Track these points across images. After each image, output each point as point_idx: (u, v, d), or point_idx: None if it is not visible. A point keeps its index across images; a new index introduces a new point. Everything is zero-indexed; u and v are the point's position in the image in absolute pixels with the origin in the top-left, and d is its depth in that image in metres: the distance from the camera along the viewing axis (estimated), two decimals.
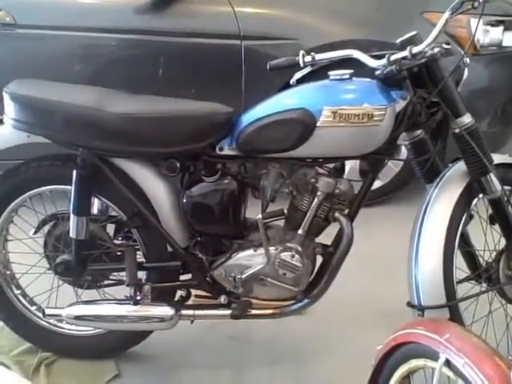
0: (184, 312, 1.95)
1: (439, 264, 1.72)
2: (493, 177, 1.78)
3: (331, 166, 1.92)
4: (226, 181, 1.87)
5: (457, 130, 1.77)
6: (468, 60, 1.81)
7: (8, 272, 2.13)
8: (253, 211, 1.92)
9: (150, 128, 1.83)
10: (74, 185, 1.87)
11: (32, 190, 1.98)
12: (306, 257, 1.86)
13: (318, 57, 1.85)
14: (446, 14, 1.67)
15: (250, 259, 1.89)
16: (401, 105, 1.75)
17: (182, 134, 1.85)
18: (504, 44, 2.98)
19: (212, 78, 2.93)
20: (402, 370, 1.39)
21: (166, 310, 1.91)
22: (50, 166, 1.95)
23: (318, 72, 1.88)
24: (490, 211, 1.88)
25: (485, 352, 1.19)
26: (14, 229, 2.09)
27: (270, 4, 2.99)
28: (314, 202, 1.83)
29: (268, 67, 1.94)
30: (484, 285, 1.93)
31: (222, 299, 1.96)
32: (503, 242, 1.90)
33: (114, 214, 2.00)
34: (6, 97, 1.88)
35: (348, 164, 3.04)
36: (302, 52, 1.86)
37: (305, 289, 1.91)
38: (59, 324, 2.14)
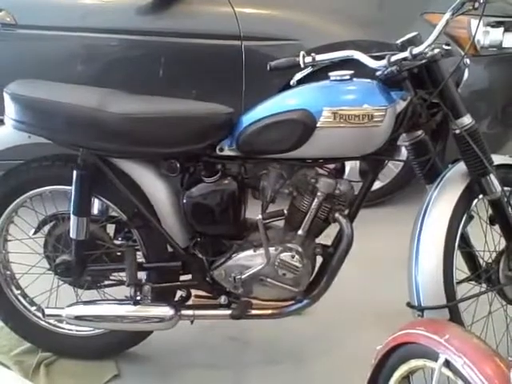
0: (184, 312, 1.95)
1: (439, 265, 1.72)
2: (493, 178, 1.78)
3: (331, 166, 1.92)
4: (226, 181, 1.87)
5: (457, 131, 1.77)
6: (468, 61, 1.81)
7: (8, 272, 2.13)
8: (253, 212, 1.92)
9: (150, 128, 1.83)
10: (74, 185, 1.87)
11: (32, 190, 1.98)
12: (305, 257, 1.86)
13: (319, 57, 1.85)
14: (447, 15, 1.68)
15: (249, 259, 1.89)
16: (401, 105, 1.75)
17: (182, 134, 1.85)
18: (504, 45, 2.98)
19: (212, 79, 2.93)
20: (401, 371, 1.39)
21: (165, 310, 1.91)
22: (51, 167, 1.95)
23: (319, 73, 1.88)
24: (490, 212, 1.88)
25: (484, 352, 1.19)
26: (14, 229, 2.09)
27: (270, 5, 3.00)
28: (314, 203, 1.83)
29: (268, 68, 1.93)
30: (484, 285, 1.93)
31: (222, 299, 1.96)
32: (503, 243, 1.90)
33: (114, 214, 2.01)
34: (6, 97, 1.88)
35: (348, 165, 3.04)
36: (302, 53, 1.86)
37: (305, 289, 1.91)
38: (59, 324, 2.14)
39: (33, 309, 2.15)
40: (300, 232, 1.86)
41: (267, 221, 1.87)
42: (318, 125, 1.73)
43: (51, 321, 2.13)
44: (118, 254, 2.01)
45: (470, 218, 1.85)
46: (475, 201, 1.83)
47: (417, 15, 2.93)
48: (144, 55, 2.96)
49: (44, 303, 2.11)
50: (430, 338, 1.28)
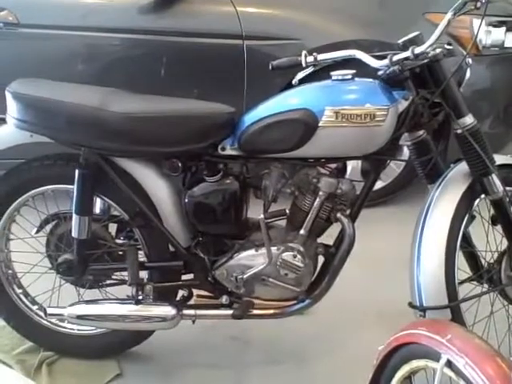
0: (186, 312, 1.95)
1: (441, 265, 1.72)
2: (495, 177, 1.78)
3: (333, 166, 1.92)
4: (228, 181, 1.87)
5: (459, 131, 1.76)
6: (470, 61, 1.81)
7: (10, 271, 2.13)
8: (255, 211, 1.92)
9: (152, 128, 1.83)
10: (76, 184, 1.87)
11: (34, 189, 1.98)
12: (307, 257, 1.86)
13: (321, 57, 1.84)
14: (449, 15, 1.67)
15: (251, 259, 1.89)
16: (403, 105, 1.75)
17: (184, 133, 1.85)
18: (506, 45, 2.98)
19: (214, 78, 2.93)
20: (403, 371, 1.39)
21: (167, 310, 1.91)
22: (53, 166, 1.95)
23: (321, 72, 1.88)
24: (492, 212, 1.88)
25: (486, 353, 1.19)
26: (17, 228, 2.10)
27: (272, 4, 3.00)
28: (316, 202, 1.83)
29: (270, 67, 1.93)
30: (486, 286, 1.93)
31: (224, 299, 1.96)
32: (505, 243, 1.89)
33: (115, 213, 2.01)
34: (8, 96, 1.88)
35: (350, 164, 3.04)
36: (304, 52, 1.86)
37: (306, 289, 1.91)
38: (61, 323, 2.14)
39: (35, 308, 2.15)
40: (302, 232, 1.86)
41: (269, 220, 1.87)
42: (319, 124, 1.73)
43: (53, 320, 2.13)
44: (120, 253, 2.02)
45: (472, 217, 1.85)
46: (477, 201, 1.83)
47: (419, 15, 2.92)
48: (146, 54, 2.96)
49: (46, 302, 2.11)
50: (432, 338, 1.27)
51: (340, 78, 1.76)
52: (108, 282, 2.07)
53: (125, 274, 1.98)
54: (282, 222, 1.93)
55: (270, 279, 1.88)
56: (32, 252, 2.08)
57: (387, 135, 1.76)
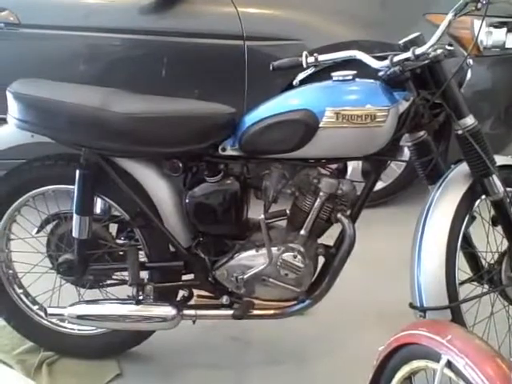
0: (186, 312, 1.95)
1: (441, 265, 1.72)
2: (495, 178, 1.78)
3: (334, 166, 1.92)
4: (229, 181, 1.88)
5: (459, 132, 1.77)
6: (471, 61, 1.81)
7: (10, 271, 2.13)
8: (255, 212, 1.92)
9: (152, 128, 1.83)
10: (76, 184, 1.87)
11: (35, 189, 1.98)
12: (308, 257, 1.86)
13: (321, 58, 1.85)
14: (450, 16, 1.68)
15: (252, 259, 1.89)
16: (404, 106, 1.75)
17: (184, 134, 1.85)
18: (507, 46, 2.98)
19: (215, 79, 2.93)
20: (403, 371, 1.39)
21: (168, 310, 1.91)
22: (53, 166, 1.95)
23: (321, 73, 1.88)
24: (493, 213, 1.88)
25: (486, 353, 1.19)
26: (17, 228, 2.10)
27: (273, 5, 3.00)
28: (317, 203, 1.83)
29: (271, 68, 1.93)
30: (486, 286, 1.93)
31: (224, 299, 1.96)
32: (505, 244, 1.89)
33: (116, 213, 2.01)
34: (9, 96, 1.88)
35: (350, 165, 3.04)
36: (305, 53, 1.86)
37: (307, 289, 1.91)
38: (61, 323, 2.14)
39: (35, 308, 2.15)
40: (302, 232, 1.86)
41: (269, 221, 1.87)
42: (320, 125, 1.73)
43: (53, 320, 2.13)
44: (121, 253, 2.02)
45: (473, 218, 1.85)
46: (478, 201, 1.83)
47: (419, 16, 2.92)
48: (147, 55, 2.96)
49: (46, 302, 2.12)
50: (432, 338, 1.27)
51: (341, 78, 1.76)
52: (108, 282, 2.07)
53: (125, 274, 1.98)
54: (283, 223, 1.93)
55: (271, 279, 1.88)
56: (32, 252, 2.08)
57: (388, 136, 1.76)
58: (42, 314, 2.09)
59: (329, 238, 1.93)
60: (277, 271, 1.87)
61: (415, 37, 1.76)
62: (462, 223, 1.77)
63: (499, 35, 2.95)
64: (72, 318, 1.96)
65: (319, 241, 1.93)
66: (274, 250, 1.86)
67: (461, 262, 1.80)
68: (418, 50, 1.68)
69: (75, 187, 1.87)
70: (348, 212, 1.88)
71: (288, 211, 1.88)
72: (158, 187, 1.91)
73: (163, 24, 2.93)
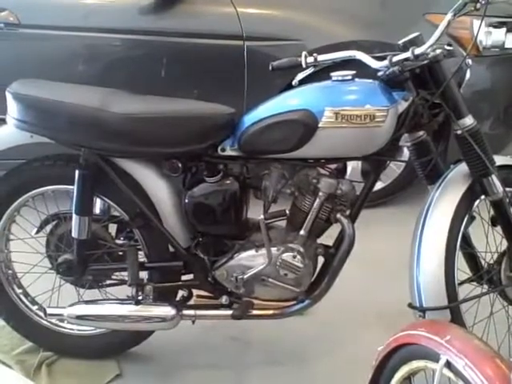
0: (185, 312, 1.95)
1: (441, 265, 1.72)
2: (495, 178, 1.78)
3: (333, 166, 1.92)
4: (228, 181, 1.88)
5: (459, 132, 1.77)
6: (470, 61, 1.81)
7: (10, 271, 2.13)
8: (255, 212, 1.92)
9: (152, 128, 1.84)
10: (76, 185, 1.87)
11: (34, 189, 1.98)
12: (307, 257, 1.86)
13: (321, 58, 1.85)
14: (449, 16, 1.68)
15: (251, 260, 1.89)
16: (403, 106, 1.75)
17: (184, 134, 1.85)
18: (506, 46, 2.98)
19: (214, 79, 2.93)
20: (402, 372, 1.39)
21: (167, 310, 1.91)
22: (53, 166, 1.95)
23: (321, 73, 1.88)
24: (492, 213, 1.88)
25: (485, 354, 1.19)
26: (17, 228, 2.10)
27: (272, 5, 3.00)
28: (316, 203, 1.83)
29: (270, 68, 1.94)
30: (485, 286, 1.93)
31: (224, 299, 1.96)
32: (505, 244, 1.89)
33: (115, 213, 2.01)
34: (8, 96, 1.88)
35: (350, 165, 3.04)
36: (304, 53, 1.86)
37: (306, 289, 1.91)
38: (61, 323, 2.14)
39: (34, 308, 2.15)
40: (302, 232, 1.86)
41: (269, 221, 1.87)
42: (319, 125, 1.73)
43: (53, 320, 2.13)
44: (120, 253, 2.02)
45: (472, 218, 1.85)
46: (477, 201, 1.83)
47: (419, 16, 2.92)
48: (146, 55, 2.96)
49: (46, 302, 2.12)
50: (432, 339, 1.27)
51: (340, 78, 1.76)
52: (108, 282, 2.07)
53: (125, 274, 1.98)
54: (282, 223, 1.93)
55: (270, 279, 1.88)
56: (32, 252, 2.08)
57: (387, 136, 1.76)
58: (42, 314, 2.09)
59: (328, 237, 1.93)
60: (276, 271, 1.87)
61: (414, 37, 1.76)
62: (461, 223, 1.77)
63: (498, 35, 2.95)
64: (71, 318, 1.95)
65: (319, 241, 1.93)
66: (273, 250, 1.86)
67: (460, 262, 1.80)
68: (418, 50, 1.68)
69: (74, 187, 1.87)
70: (347, 212, 1.88)
71: (287, 211, 1.88)
72: (157, 187, 1.91)
73: (162, 24, 2.93)
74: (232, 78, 2.95)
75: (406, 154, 2.86)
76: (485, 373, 1.14)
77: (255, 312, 1.95)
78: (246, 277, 1.88)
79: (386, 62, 1.72)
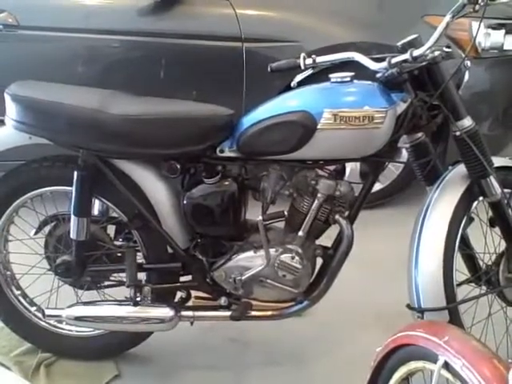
0: (184, 313, 1.95)
1: (439, 266, 1.72)
2: (493, 180, 1.78)
3: (332, 168, 1.92)
4: (227, 183, 1.88)
5: (457, 133, 1.77)
6: (469, 63, 1.81)
7: (8, 272, 2.13)
8: (253, 213, 1.92)
9: (150, 130, 1.84)
10: (74, 186, 1.87)
11: (33, 190, 1.98)
12: (306, 259, 1.86)
13: (319, 59, 1.85)
14: (447, 17, 1.68)
15: (250, 261, 1.89)
16: (401, 107, 1.76)
17: (182, 135, 1.85)
18: (505, 47, 2.98)
19: (213, 80, 2.93)
20: (401, 372, 1.39)
21: (165, 312, 1.91)
22: (51, 167, 1.95)
23: (319, 74, 1.88)
24: (490, 214, 1.88)
25: (483, 354, 1.19)
26: (15, 229, 2.10)
27: (271, 6, 3.00)
28: (315, 204, 1.83)
29: (269, 69, 1.94)
30: (484, 287, 1.93)
31: (222, 301, 1.96)
32: (503, 245, 1.90)
33: (114, 215, 2.01)
34: (7, 98, 1.88)
35: (349, 166, 3.05)
36: (303, 54, 1.86)
37: (305, 290, 1.91)
38: (59, 325, 2.14)
39: (33, 309, 2.15)
40: (300, 233, 1.86)
41: (267, 222, 1.88)
42: (318, 126, 1.73)
43: (51, 321, 2.13)
44: (118, 254, 2.02)
45: (470, 219, 1.86)
46: (475, 203, 1.84)
47: (417, 17, 2.93)
48: (145, 56, 2.97)
49: (44, 304, 2.11)
50: (430, 339, 1.28)
51: (339, 80, 1.77)
52: (106, 283, 2.07)
53: (123, 275, 1.98)
54: (281, 224, 1.93)
55: (269, 281, 1.88)
56: (30, 253, 2.08)
57: (386, 137, 1.76)
58: (40, 315, 2.08)
59: (327, 239, 1.93)
60: (275, 272, 1.87)
61: (413, 39, 1.76)
62: (459, 224, 1.78)
63: (497, 37, 2.95)
64: (70, 319, 1.96)
65: (317, 242, 1.93)
66: (271, 251, 1.86)
67: (458, 263, 1.81)
68: (416, 52, 1.68)
69: (73, 189, 1.88)
70: (346, 213, 1.88)
71: (286, 212, 1.88)
72: (155, 189, 1.91)
73: (162, 26, 2.94)
74: (231, 80, 2.96)
75: (404, 155, 2.86)
76: (482, 373, 1.14)
77: (254, 313, 1.95)
78: (244, 278, 1.88)
79: (384, 64, 1.72)
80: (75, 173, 1.87)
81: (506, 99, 3.15)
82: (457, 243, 1.76)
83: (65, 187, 1.95)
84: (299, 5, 3.03)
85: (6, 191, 2.00)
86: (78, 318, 1.95)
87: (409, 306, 1.76)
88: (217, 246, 1.96)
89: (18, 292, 2.15)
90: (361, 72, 1.79)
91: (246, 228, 1.96)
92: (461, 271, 1.87)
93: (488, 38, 2.94)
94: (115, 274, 2.05)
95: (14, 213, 2.04)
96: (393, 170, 3.16)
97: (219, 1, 2.95)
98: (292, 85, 1.91)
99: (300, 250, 1.86)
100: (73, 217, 1.90)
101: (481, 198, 1.83)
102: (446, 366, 1.22)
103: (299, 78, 1.92)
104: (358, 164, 3.01)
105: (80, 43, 2.91)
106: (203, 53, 2.93)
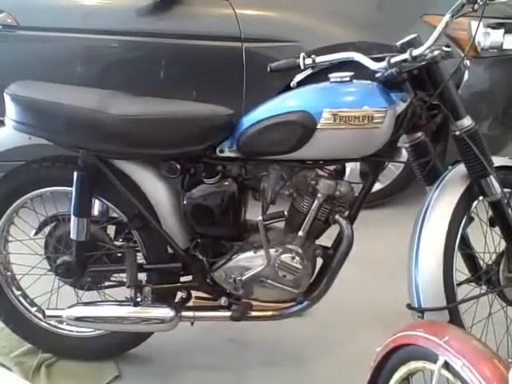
0: (184, 314, 1.95)
1: (439, 266, 1.72)
2: (493, 179, 1.78)
3: (332, 168, 1.92)
4: (227, 183, 1.88)
5: (457, 133, 1.77)
6: (468, 63, 1.81)
7: (9, 273, 2.13)
8: (253, 213, 1.92)
9: (150, 130, 1.84)
10: (74, 186, 1.87)
11: (33, 191, 1.98)
12: (306, 259, 1.86)
13: (319, 59, 1.85)
14: (447, 17, 1.68)
15: (250, 261, 1.89)
16: (401, 107, 1.76)
17: (182, 135, 1.85)
18: (505, 47, 2.98)
19: (213, 80, 2.93)
20: (401, 372, 1.39)
21: (166, 312, 1.91)
22: (51, 168, 1.95)
23: (319, 74, 1.88)
24: (490, 213, 1.88)
25: (483, 354, 1.19)
26: (15, 230, 2.10)
27: (271, 6, 3.00)
28: (315, 204, 1.83)
29: (268, 69, 1.94)
30: (484, 287, 1.93)
31: (222, 301, 1.96)
32: (503, 245, 1.90)
33: (114, 215, 2.01)
34: (7, 98, 1.88)
35: (349, 166, 3.04)
36: (302, 54, 1.86)
37: (305, 291, 1.91)
38: (59, 325, 2.14)
39: (33, 310, 2.15)
40: (300, 233, 1.86)
41: (267, 222, 1.88)
42: (318, 126, 1.73)
43: (52, 322, 2.13)
44: (119, 255, 2.02)
45: (470, 219, 1.86)
46: (475, 202, 1.84)
47: (417, 17, 2.93)
48: (144, 57, 2.97)
49: (44, 304, 2.11)
50: (430, 339, 1.28)
51: (338, 80, 1.77)
52: (106, 283, 2.07)
53: (123, 275, 1.98)
54: (281, 224, 1.93)
55: (269, 281, 1.88)
56: (31, 254, 2.08)
57: (385, 137, 1.76)
58: (41, 315, 2.09)
59: (327, 239, 1.93)
60: (275, 272, 1.87)
61: (412, 38, 1.76)
62: (459, 224, 1.77)
63: (496, 36, 2.95)
64: (70, 319, 1.96)
65: (317, 242, 1.93)
66: (271, 251, 1.86)
67: (459, 262, 1.81)
68: (415, 52, 1.68)
69: (73, 189, 1.87)
70: (346, 213, 1.88)
71: (286, 212, 1.88)
72: (155, 189, 1.91)
73: (161, 26, 2.94)
74: (230, 80, 2.95)
75: (404, 155, 2.86)
76: (483, 373, 1.14)
77: (254, 313, 1.95)
78: (244, 278, 1.88)
79: (384, 64, 1.72)
80: (75, 173, 1.87)
81: (506, 98, 3.15)
82: (457, 243, 1.76)
83: (65, 187, 1.95)
84: (298, 5, 3.03)
85: (5, 192, 2.00)
86: (78, 319, 1.95)
87: (409, 306, 1.75)
88: (217, 246, 1.96)
89: (18, 292, 2.15)
90: (360, 72, 1.79)
91: (246, 228, 1.96)
92: (461, 271, 1.87)
93: (487, 37, 2.94)
94: (115, 275, 2.05)
95: (13, 213, 2.04)
96: (393, 170, 3.16)
97: (218, 1, 2.95)
98: (291, 85, 1.91)
99: (300, 250, 1.86)
100: (73, 217, 1.90)
101: (481, 198, 1.83)
102: (446, 365, 1.22)
103: (299, 77, 1.92)
104: (357, 164, 3.00)
105: (79, 43, 2.92)
106: (203, 53, 2.93)
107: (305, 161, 1.86)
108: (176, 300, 2.04)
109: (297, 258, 1.85)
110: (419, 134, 1.84)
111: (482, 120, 3.04)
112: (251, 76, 2.91)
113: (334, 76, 1.77)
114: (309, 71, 1.90)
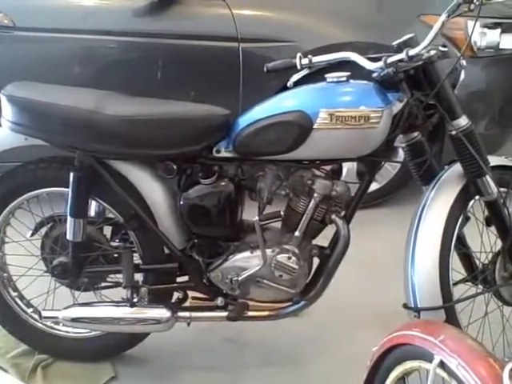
0: (181, 314, 1.95)
1: (435, 266, 1.72)
2: (489, 179, 1.78)
3: (328, 167, 1.93)
4: (223, 183, 1.88)
5: (453, 132, 1.77)
6: (465, 62, 1.81)
7: (5, 274, 2.13)
8: (250, 213, 1.92)
9: (146, 130, 1.84)
10: (71, 187, 1.87)
11: (29, 192, 1.98)
12: (302, 259, 1.87)
13: (315, 59, 1.85)
14: (443, 17, 1.68)
15: (246, 261, 1.89)
16: (397, 107, 1.76)
17: (179, 136, 1.85)
18: (501, 46, 2.98)
19: (210, 81, 2.93)
20: (397, 372, 1.39)
21: (162, 312, 1.91)
22: (48, 169, 1.95)
23: (315, 74, 1.88)
24: (487, 213, 1.88)
25: (478, 353, 1.20)
26: (11, 231, 2.09)
27: (267, 6, 3.00)
28: (311, 204, 1.83)
29: (265, 70, 1.94)
30: (480, 286, 1.93)
31: (219, 301, 1.96)
32: (499, 244, 1.90)
33: (110, 216, 2.01)
34: (3, 99, 1.88)
35: (345, 166, 3.04)
36: (299, 54, 1.86)
37: (301, 291, 1.91)
38: (56, 326, 2.13)
39: (30, 311, 2.15)
40: (297, 233, 1.86)
41: (264, 222, 1.88)
42: (314, 126, 1.73)
43: (48, 323, 2.12)
44: (115, 255, 2.01)
45: (467, 219, 1.86)
46: (471, 202, 1.84)
47: (414, 17, 2.93)
48: (142, 57, 2.96)
49: (41, 305, 2.11)
50: (425, 339, 1.28)
51: (335, 80, 1.77)
52: (103, 284, 2.07)
53: (120, 276, 1.97)
54: (277, 224, 1.93)
55: (265, 281, 1.88)
56: (27, 255, 2.08)
57: (382, 137, 1.76)
58: (37, 316, 2.09)
59: (323, 239, 1.93)
60: (271, 273, 1.87)
61: (409, 38, 1.76)
62: (455, 224, 1.78)
63: (493, 36, 2.96)
64: (66, 320, 1.95)
65: (314, 242, 1.93)
66: (268, 251, 1.86)
67: (455, 262, 1.81)
68: (412, 52, 1.68)
69: (69, 190, 1.87)
70: (342, 213, 1.88)
71: (282, 213, 1.89)
72: (152, 189, 1.91)
73: (158, 26, 2.93)
74: (227, 80, 2.95)
75: (400, 154, 2.86)
76: (478, 372, 1.14)
77: (250, 313, 1.95)
78: (241, 278, 1.88)
79: (380, 64, 1.72)
80: (71, 174, 1.86)
81: (502, 98, 3.15)
82: (453, 242, 1.76)
83: (61, 188, 1.94)
84: (296, 5, 3.03)
85: (2, 193, 1.99)
86: (74, 320, 1.94)
87: (405, 306, 1.75)
88: (213, 247, 1.95)
89: (14, 294, 2.14)
90: (357, 72, 1.79)
91: (243, 228, 1.96)
92: (457, 270, 1.88)
93: (484, 37, 2.94)
94: (112, 275, 2.05)
95: (10, 214, 2.04)
96: (389, 170, 3.16)
97: (216, 1, 2.95)
98: (288, 85, 1.91)
99: (297, 250, 1.86)
100: (69, 218, 1.90)
101: (477, 197, 1.83)
102: (442, 365, 1.23)
103: (295, 77, 1.92)
104: (354, 164, 3.00)
105: (76, 44, 2.91)
106: (200, 53, 2.93)
107: (301, 161, 1.86)
108: (172, 300, 2.04)
109: (293, 258, 1.85)
110: (416, 133, 1.84)
111: (479, 120, 3.04)
112: (248, 76, 2.91)
113: (330, 76, 1.77)
114: (305, 71, 1.90)
